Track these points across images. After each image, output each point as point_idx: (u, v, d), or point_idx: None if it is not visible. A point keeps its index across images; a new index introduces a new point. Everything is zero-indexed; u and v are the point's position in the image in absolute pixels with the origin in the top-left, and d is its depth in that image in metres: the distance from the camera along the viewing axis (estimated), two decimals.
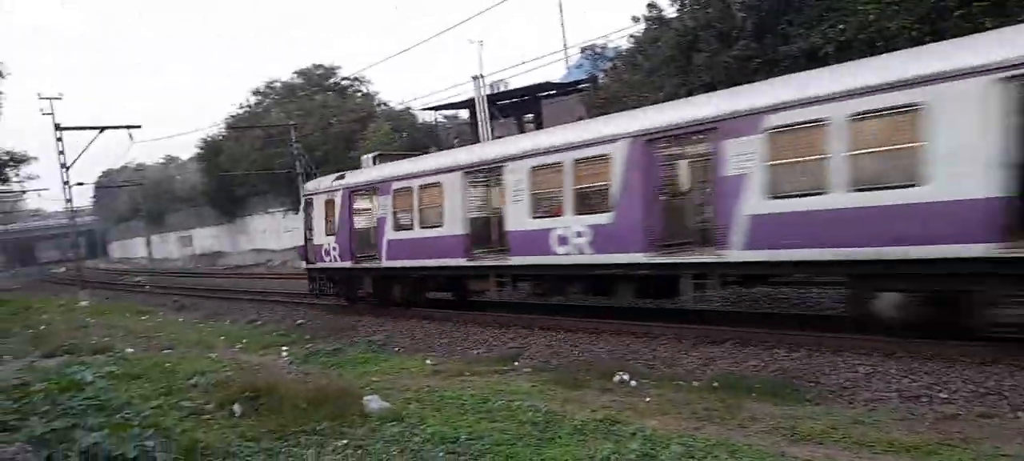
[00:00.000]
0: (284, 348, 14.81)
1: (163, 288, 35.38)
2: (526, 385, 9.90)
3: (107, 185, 72.88)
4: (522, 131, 33.02)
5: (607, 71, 25.95)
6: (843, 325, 10.78)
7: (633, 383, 9.81)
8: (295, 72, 49.62)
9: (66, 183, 33.33)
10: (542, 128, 26.79)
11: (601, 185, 11.93)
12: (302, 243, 20.73)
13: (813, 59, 14.61)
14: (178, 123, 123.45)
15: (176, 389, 9.83)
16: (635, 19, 23.55)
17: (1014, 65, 7.69)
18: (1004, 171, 7.84)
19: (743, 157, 9.96)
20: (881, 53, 10.88)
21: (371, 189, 17.70)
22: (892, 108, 8.54)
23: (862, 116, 8.76)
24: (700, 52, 17.84)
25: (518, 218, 13.46)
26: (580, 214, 12.24)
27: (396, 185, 16.47)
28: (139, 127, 34.55)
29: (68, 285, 44.19)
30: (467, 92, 33.10)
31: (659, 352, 11.15)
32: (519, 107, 37.77)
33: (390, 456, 6.53)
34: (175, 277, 45.49)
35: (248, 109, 49.88)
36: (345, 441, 7.08)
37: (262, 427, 7.60)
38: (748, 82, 12.24)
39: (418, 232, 15.80)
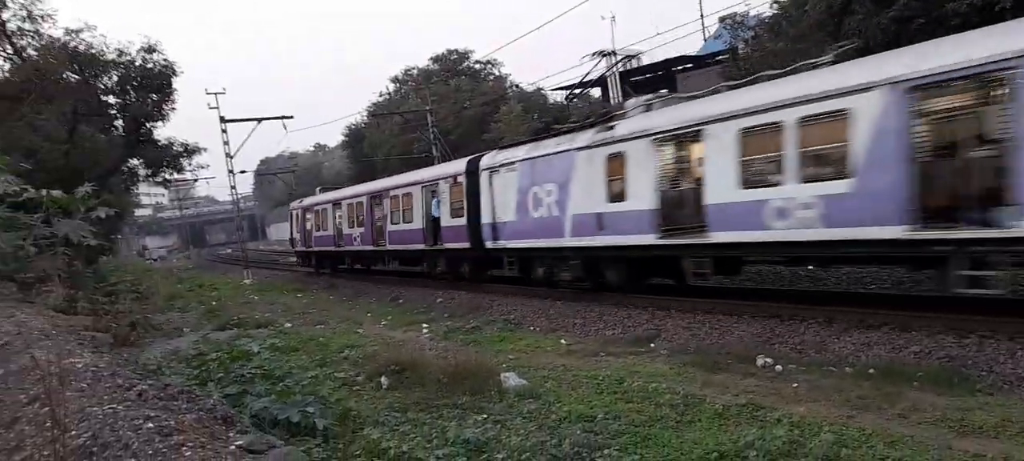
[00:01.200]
0: (425, 325, 15.45)
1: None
2: (663, 367, 9.72)
3: (264, 172, 78.98)
4: None
5: (748, 41, 24.68)
6: (1021, 310, 9.72)
7: (778, 367, 9.36)
8: (430, 58, 51.27)
9: (231, 171, 36.48)
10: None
11: (361, 216, 26.35)
12: (289, 235, 37.81)
13: (988, 15, 13.09)
14: (326, 112, 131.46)
15: (329, 361, 10.53)
16: None
17: (424, 181, 21.79)
18: (427, 220, 21.38)
19: (388, 206, 23.75)
20: None
21: (309, 208, 33.00)
22: (407, 193, 22.46)
23: (400, 195, 22.87)
24: (853, 14, 16.50)
25: (348, 228, 27.75)
26: (357, 227, 26.59)
27: (315, 208, 31.89)
28: (292, 117, 37.20)
29: (233, 265, 48.46)
30: (599, 69, 32.73)
31: (807, 336, 10.56)
32: (653, 83, 36.87)
33: (528, 432, 6.65)
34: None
35: (388, 96, 52.18)
36: (484, 415, 7.29)
37: (407, 399, 7.98)
38: (909, 43, 11.32)
39: (320, 232, 31.19)
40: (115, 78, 28.74)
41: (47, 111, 23.75)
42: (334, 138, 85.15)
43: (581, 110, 43.45)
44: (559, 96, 44.51)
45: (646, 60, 36.27)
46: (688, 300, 13.44)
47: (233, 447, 4.68)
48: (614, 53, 30.76)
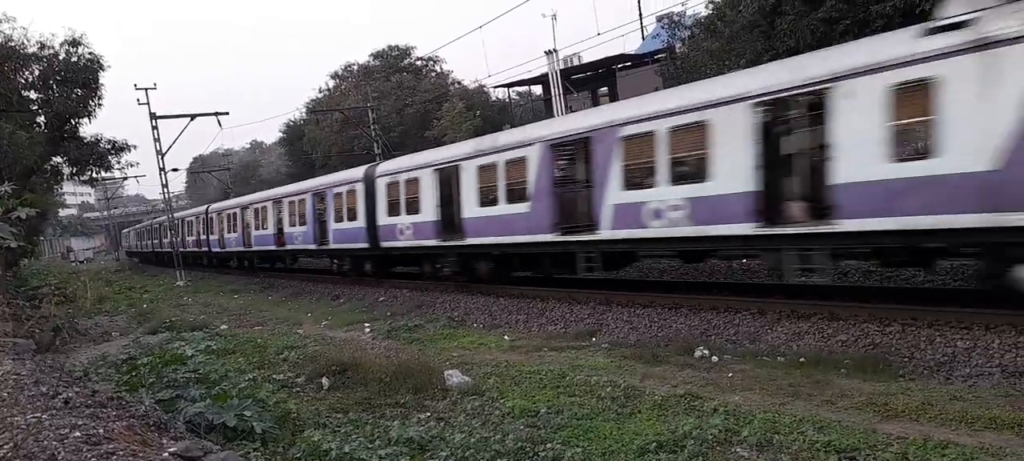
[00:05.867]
0: (367, 324, 15.27)
1: (252, 268, 36.97)
2: (604, 360, 9.88)
3: (198, 170, 76.48)
4: (596, 105, 32.65)
5: (685, 40, 25.24)
6: (941, 299, 10.25)
7: (714, 358, 9.63)
8: (371, 54, 50.50)
9: (162, 169, 35.22)
10: (616, 101, 26.41)
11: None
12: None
13: (909, 17, 13.72)
14: (263, 109, 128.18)
15: (268, 363, 10.31)
16: None
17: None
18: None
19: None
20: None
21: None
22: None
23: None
24: (784, 15, 17.06)
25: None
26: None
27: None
28: (227, 114, 36.16)
29: (166, 266, 46.79)
30: (541, 67, 32.93)
31: (741, 327, 10.88)
32: (593, 80, 37.33)
33: (471, 428, 6.66)
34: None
35: (327, 93, 51.18)
36: (428, 413, 7.27)
37: (349, 399, 7.89)
38: (837, 43, 11.90)
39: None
40: (37, 72, 27.39)
41: None
42: (272, 135, 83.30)
43: (524, 107, 43.70)
44: (501, 93, 44.64)
45: (587, 57, 36.70)
46: (627, 294, 13.68)
47: (166, 454, 4.53)
48: (555, 51, 30.98)
